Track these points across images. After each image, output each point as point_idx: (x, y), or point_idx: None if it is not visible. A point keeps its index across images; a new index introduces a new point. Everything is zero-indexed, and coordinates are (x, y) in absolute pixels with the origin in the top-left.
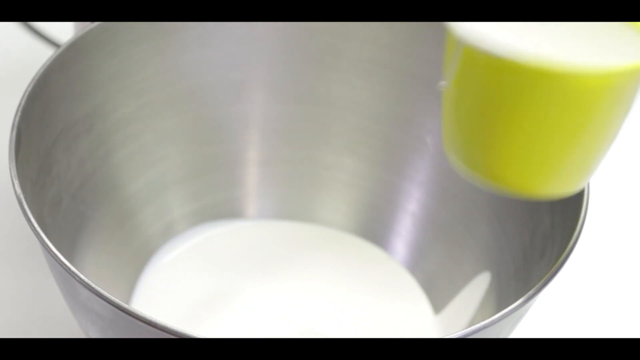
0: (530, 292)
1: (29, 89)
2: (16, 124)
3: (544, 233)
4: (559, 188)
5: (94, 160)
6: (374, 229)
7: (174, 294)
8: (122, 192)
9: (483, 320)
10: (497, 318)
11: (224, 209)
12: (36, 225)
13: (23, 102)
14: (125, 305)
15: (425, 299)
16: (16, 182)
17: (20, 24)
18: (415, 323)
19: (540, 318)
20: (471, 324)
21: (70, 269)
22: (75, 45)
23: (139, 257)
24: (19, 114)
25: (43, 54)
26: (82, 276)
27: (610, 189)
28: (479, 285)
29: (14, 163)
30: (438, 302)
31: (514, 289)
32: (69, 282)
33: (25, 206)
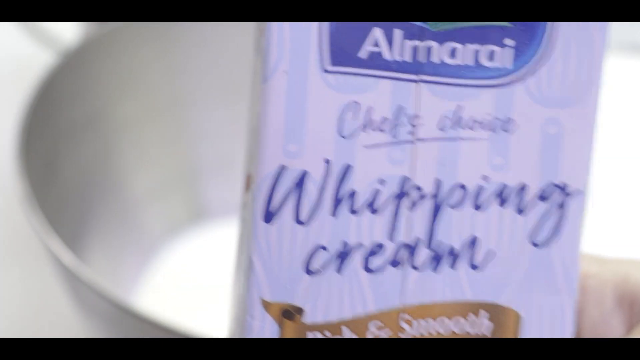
0: None
1: (35, 90)
2: (20, 124)
3: None
4: None
5: (96, 160)
6: None
7: (176, 293)
8: (124, 192)
9: None
10: None
11: (225, 208)
12: (39, 225)
13: (27, 104)
14: (128, 305)
15: None
16: (20, 182)
17: (20, 24)
18: None
19: None
20: None
21: (72, 269)
22: (78, 48)
23: (141, 256)
24: (22, 115)
25: (43, 54)
26: (84, 275)
27: (610, 188)
28: None
29: (18, 163)
30: None
31: None
32: (72, 281)
33: (29, 206)
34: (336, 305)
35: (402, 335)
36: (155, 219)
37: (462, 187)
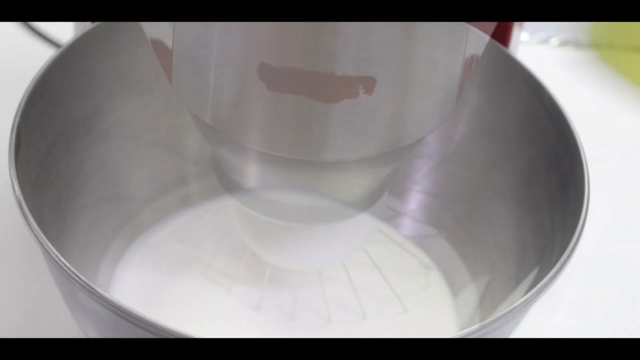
0: (531, 293)
1: (29, 89)
2: (16, 125)
3: (544, 234)
4: None
5: (93, 160)
6: None
7: (175, 292)
8: (122, 193)
9: (483, 321)
10: (497, 319)
11: (224, 208)
12: (35, 227)
13: (23, 103)
14: (126, 307)
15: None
16: (16, 184)
17: (20, 24)
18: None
19: (540, 318)
20: (471, 324)
21: (69, 271)
22: (75, 46)
23: (138, 255)
24: (18, 114)
25: (43, 54)
26: (81, 278)
27: (610, 188)
28: (479, 285)
29: (13, 164)
30: None
31: (514, 290)
32: (68, 283)
33: (25, 208)
34: None
35: None
36: (154, 220)
37: None
